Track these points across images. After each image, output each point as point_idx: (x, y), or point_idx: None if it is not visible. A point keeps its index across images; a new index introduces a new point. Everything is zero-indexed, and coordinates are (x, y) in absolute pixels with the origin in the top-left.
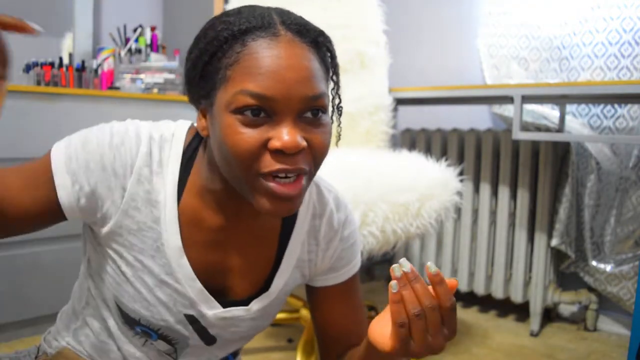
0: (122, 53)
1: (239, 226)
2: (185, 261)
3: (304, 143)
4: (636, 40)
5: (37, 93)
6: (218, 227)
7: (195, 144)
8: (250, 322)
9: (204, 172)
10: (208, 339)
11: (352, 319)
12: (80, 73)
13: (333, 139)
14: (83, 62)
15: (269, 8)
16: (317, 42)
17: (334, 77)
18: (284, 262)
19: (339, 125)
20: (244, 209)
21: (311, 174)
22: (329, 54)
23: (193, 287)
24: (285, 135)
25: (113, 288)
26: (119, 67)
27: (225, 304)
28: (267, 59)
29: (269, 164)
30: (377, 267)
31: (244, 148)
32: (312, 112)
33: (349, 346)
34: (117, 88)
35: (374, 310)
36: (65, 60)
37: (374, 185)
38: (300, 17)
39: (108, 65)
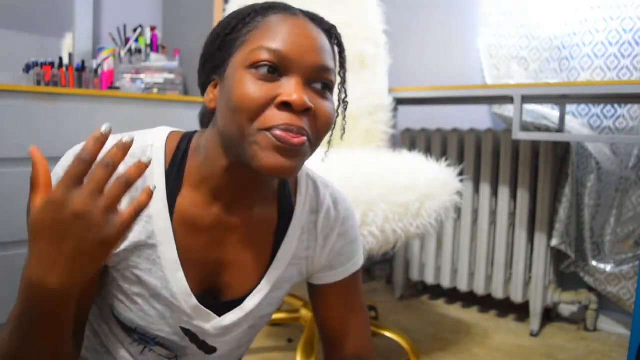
0: (122, 53)
1: (235, 218)
2: (181, 275)
3: (311, 104)
4: (636, 40)
5: (37, 93)
6: (213, 222)
7: (184, 146)
8: (246, 324)
9: (200, 161)
10: (207, 349)
11: (352, 320)
12: (80, 73)
13: (338, 132)
14: (83, 62)
15: None
16: (330, 32)
17: (342, 72)
18: (279, 256)
19: (344, 119)
20: (240, 199)
21: (312, 142)
22: (339, 49)
23: (188, 302)
24: (294, 92)
25: (109, 299)
26: (119, 67)
27: (221, 307)
28: (285, 25)
29: (274, 117)
30: (377, 267)
31: (252, 98)
32: (319, 85)
33: (351, 349)
34: (117, 88)
35: (374, 310)
36: (65, 60)
37: (374, 185)
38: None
39: (108, 65)
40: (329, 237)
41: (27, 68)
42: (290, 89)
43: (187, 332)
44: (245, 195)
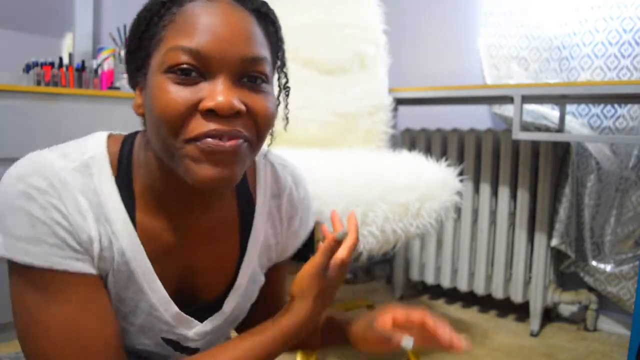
0: (122, 53)
1: (193, 221)
2: (158, 285)
3: (242, 106)
4: (636, 40)
5: (37, 93)
6: (172, 230)
7: (127, 152)
8: (228, 322)
9: (142, 170)
10: (190, 352)
11: (279, 296)
12: (80, 73)
13: (281, 122)
14: (83, 62)
15: None
16: (260, 12)
17: (279, 54)
18: (249, 249)
19: (286, 107)
20: (189, 205)
21: (254, 143)
22: (273, 29)
23: (169, 310)
24: (219, 95)
25: None
26: (119, 67)
27: (200, 311)
28: (203, 16)
29: (200, 125)
30: (377, 267)
31: (172, 107)
32: (251, 79)
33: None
34: (117, 88)
35: (374, 310)
36: (65, 60)
37: (374, 185)
38: None
39: (108, 65)
40: (293, 218)
41: (27, 68)
42: (214, 92)
43: (169, 342)
44: (195, 201)
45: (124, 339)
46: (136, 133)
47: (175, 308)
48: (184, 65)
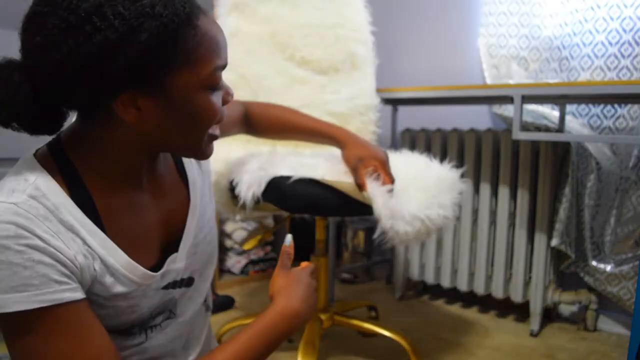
0: None
1: (152, 182)
2: (137, 267)
3: None
4: (636, 40)
5: None
6: (135, 194)
7: (61, 157)
8: (200, 240)
9: (101, 158)
10: (187, 283)
11: None
12: None
13: None
14: None
15: None
16: None
17: None
18: (189, 176)
19: None
20: (148, 169)
21: None
22: None
23: (147, 275)
24: (228, 86)
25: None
26: None
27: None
28: (218, 34)
29: (221, 114)
30: (377, 267)
31: (219, 114)
32: None
33: None
34: None
35: (374, 310)
36: None
37: (401, 176)
38: None
39: None
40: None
41: None
42: (225, 85)
43: (167, 286)
44: (153, 166)
45: (136, 318)
46: (58, 141)
47: (146, 271)
48: (221, 81)
